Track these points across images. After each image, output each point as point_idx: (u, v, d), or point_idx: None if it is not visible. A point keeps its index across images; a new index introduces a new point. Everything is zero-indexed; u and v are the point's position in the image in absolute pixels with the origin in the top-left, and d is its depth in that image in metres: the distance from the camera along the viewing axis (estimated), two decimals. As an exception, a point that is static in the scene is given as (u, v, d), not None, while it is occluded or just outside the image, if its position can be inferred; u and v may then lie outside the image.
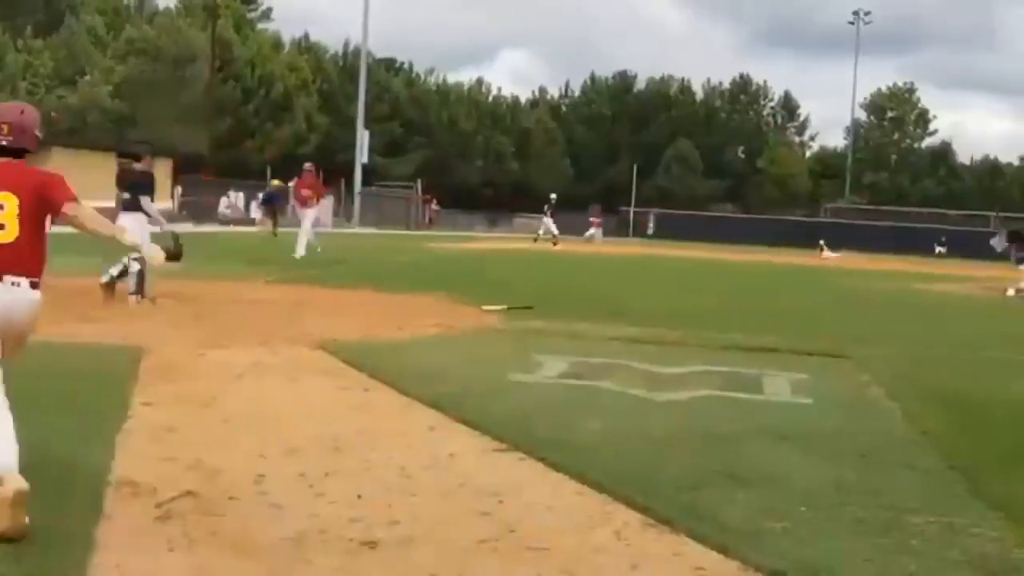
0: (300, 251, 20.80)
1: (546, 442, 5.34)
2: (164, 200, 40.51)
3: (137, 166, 11.77)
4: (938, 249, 54.80)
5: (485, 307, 12.13)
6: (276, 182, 35.18)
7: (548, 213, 40.99)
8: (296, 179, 26.61)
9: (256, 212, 40.45)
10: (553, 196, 42.70)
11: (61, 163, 28.40)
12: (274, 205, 32.85)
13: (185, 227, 24.66)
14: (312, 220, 22.47)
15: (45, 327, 8.71)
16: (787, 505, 4.43)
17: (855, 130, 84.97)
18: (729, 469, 4.98)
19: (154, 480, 4.32)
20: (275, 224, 30.92)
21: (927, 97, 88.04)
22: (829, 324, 13.12)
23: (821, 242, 45.48)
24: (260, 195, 38.78)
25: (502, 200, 75.46)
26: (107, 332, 8.81)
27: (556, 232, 39.80)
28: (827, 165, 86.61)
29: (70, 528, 3.68)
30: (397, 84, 73.31)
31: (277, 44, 69.28)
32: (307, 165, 24.14)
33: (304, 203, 22.54)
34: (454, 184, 75.25)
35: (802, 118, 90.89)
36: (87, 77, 51.72)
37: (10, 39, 51.48)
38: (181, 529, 3.76)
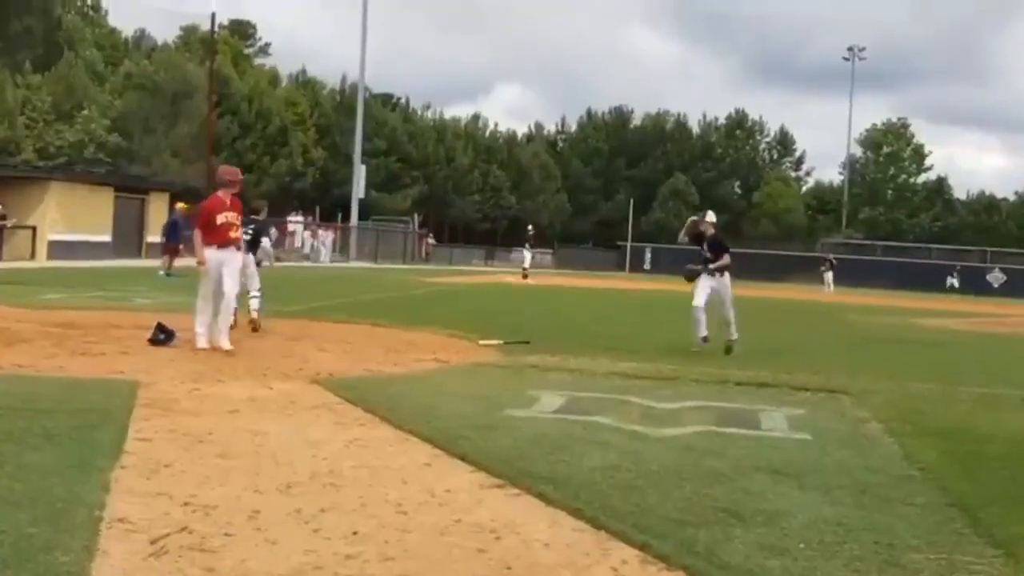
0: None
1: (543, 478, 5.31)
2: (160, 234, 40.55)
3: (255, 217, 13.18)
4: (950, 282, 53.35)
5: (481, 341, 12.14)
6: (182, 205, 28.45)
7: (528, 245, 41.16)
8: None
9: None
10: (531, 228, 42.74)
11: (58, 196, 28.16)
12: (176, 239, 26.97)
13: (181, 262, 24.59)
14: None
15: (39, 361, 8.79)
16: (785, 542, 4.40)
17: (851, 165, 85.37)
18: (727, 505, 4.95)
19: (149, 516, 4.29)
20: (171, 261, 25.95)
21: (918, 132, 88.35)
22: (826, 359, 13.11)
23: (831, 258, 45.14)
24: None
25: (499, 234, 75.75)
26: (102, 366, 8.80)
27: (527, 265, 40.17)
28: (823, 200, 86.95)
29: (65, 565, 3.64)
30: (394, 119, 73.59)
31: (274, 79, 69.71)
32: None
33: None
34: (451, 218, 75.56)
35: (798, 153, 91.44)
36: (85, 112, 51.77)
37: (8, 74, 51.61)
38: (176, 565, 3.73)
